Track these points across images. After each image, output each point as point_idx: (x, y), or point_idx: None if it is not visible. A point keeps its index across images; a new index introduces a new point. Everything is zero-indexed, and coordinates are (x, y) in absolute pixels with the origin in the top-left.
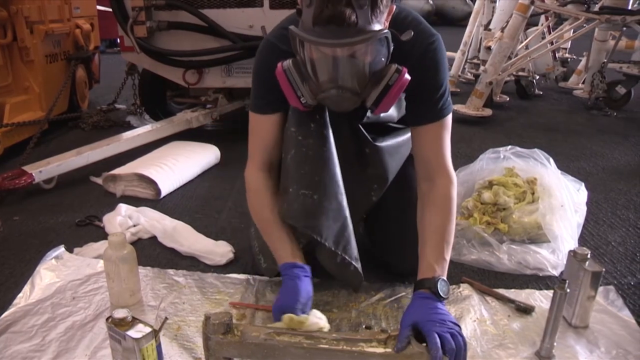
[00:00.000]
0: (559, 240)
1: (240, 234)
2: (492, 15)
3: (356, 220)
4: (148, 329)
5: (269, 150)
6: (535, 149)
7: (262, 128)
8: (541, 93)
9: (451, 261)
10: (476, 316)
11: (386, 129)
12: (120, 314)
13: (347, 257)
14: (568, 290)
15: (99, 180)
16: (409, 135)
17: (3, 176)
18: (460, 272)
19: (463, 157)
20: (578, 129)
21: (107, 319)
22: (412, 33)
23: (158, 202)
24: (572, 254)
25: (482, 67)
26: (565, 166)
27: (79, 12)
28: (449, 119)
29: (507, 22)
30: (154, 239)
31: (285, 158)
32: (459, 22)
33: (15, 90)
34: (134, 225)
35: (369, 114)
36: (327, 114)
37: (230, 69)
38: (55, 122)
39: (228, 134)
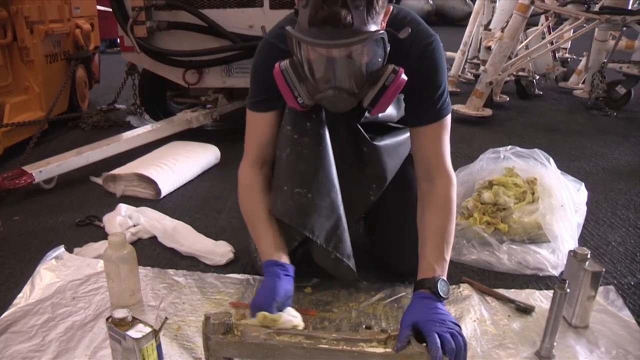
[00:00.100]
0: (559, 240)
1: (240, 234)
2: (492, 15)
3: (355, 220)
4: (148, 329)
5: (263, 147)
6: (535, 149)
7: (257, 125)
8: (541, 93)
9: (451, 261)
10: (476, 316)
11: (385, 129)
12: (120, 314)
13: (338, 255)
14: (568, 290)
15: (99, 180)
16: (407, 135)
17: (3, 176)
18: (460, 272)
19: (463, 157)
20: (578, 129)
21: (107, 319)
22: (410, 30)
23: (158, 202)
24: (572, 254)
25: (482, 67)
26: (565, 166)
27: (79, 12)
28: (448, 119)
29: (507, 22)
30: (154, 239)
31: (280, 156)
32: (459, 22)
33: (15, 90)
34: (134, 225)
35: (367, 113)
36: (323, 113)
37: (230, 69)
38: (55, 122)
39: (228, 134)
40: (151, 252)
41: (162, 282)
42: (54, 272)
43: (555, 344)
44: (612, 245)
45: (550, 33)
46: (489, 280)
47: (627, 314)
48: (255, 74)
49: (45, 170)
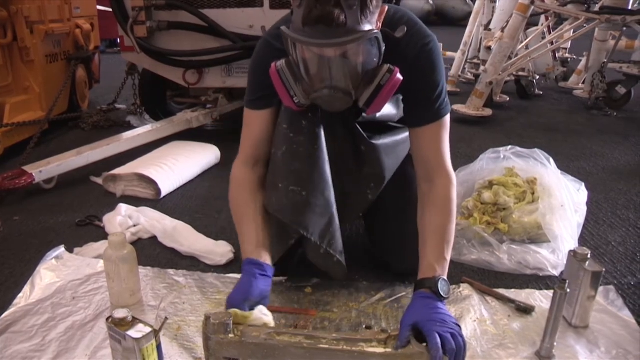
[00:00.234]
0: (559, 240)
1: None
2: (492, 15)
3: (353, 219)
4: (148, 329)
5: (257, 145)
6: (536, 149)
7: (253, 123)
8: (541, 93)
9: (451, 261)
10: (476, 316)
11: (384, 128)
12: (120, 314)
13: (331, 251)
14: (568, 290)
15: (99, 180)
16: (406, 134)
17: (3, 176)
18: (460, 272)
19: (463, 157)
20: (578, 129)
21: (107, 319)
22: (405, 29)
23: (158, 202)
24: (572, 254)
25: (482, 67)
26: (565, 166)
27: (79, 12)
28: (447, 119)
29: (507, 22)
30: (154, 239)
31: (276, 154)
32: (459, 22)
33: (16, 90)
34: (134, 225)
35: (364, 113)
36: (320, 112)
37: (230, 69)
38: (55, 122)
39: (228, 134)
40: (151, 252)
41: (162, 282)
42: (54, 272)
43: (555, 344)
44: (612, 245)
45: (550, 33)
46: (489, 280)
47: (627, 314)
48: (253, 73)
49: (45, 170)
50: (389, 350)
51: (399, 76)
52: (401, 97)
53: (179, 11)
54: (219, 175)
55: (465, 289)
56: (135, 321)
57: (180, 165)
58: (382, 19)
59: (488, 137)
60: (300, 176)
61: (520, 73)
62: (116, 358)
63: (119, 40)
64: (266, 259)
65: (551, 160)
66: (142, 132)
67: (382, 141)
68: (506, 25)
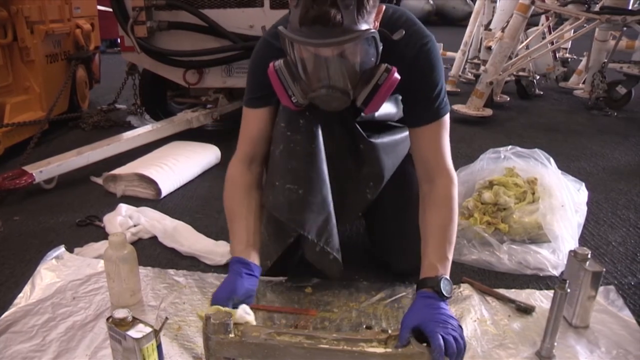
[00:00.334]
0: (560, 240)
1: None
2: (493, 15)
3: (353, 218)
4: (148, 329)
5: (254, 144)
6: (536, 149)
7: (251, 122)
8: (542, 93)
9: (452, 261)
10: (476, 316)
11: (384, 127)
12: (120, 314)
13: (328, 249)
14: (568, 290)
15: (99, 180)
16: (406, 134)
17: (3, 176)
18: (460, 272)
19: (463, 157)
20: (578, 129)
21: (107, 319)
22: (404, 32)
23: (158, 202)
24: (573, 254)
25: (482, 67)
26: (565, 166)
27: (79, 12)
28: (447, 119)
29: (508, 22)
30: (154, 239)
31: (273, 152)
32: (460, 22)
33: (16, 90)
34: (135, 225)
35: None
36: (318, 111)
37: (230, 69)
38: (55, 122)
39: (228, 134)
40: (151, 252)
41: (162, 282)
42: (55, 272)
43: (555, 344)
44: (612, 245)
45: (550, 33)
46: (489, 280)
47: (627, 314)
48: (252, 72)
49: (45, 170)
50: (389, 350)
51: (397, 75)
52: (400, 97)
53: (179, 11)
54: (220, 175)
55: (465, 289)
56: (135, 321)
57: (180, 165)
58: (380, 19)
59: (488, 137)
60: (297, 174)
61: (521, 73)
62: (116, 358)
63: (119, 40)
64: (254, 259)
65: (551, 160)
66: (143, 132)
67: (381, 140)
68: (506, 25)
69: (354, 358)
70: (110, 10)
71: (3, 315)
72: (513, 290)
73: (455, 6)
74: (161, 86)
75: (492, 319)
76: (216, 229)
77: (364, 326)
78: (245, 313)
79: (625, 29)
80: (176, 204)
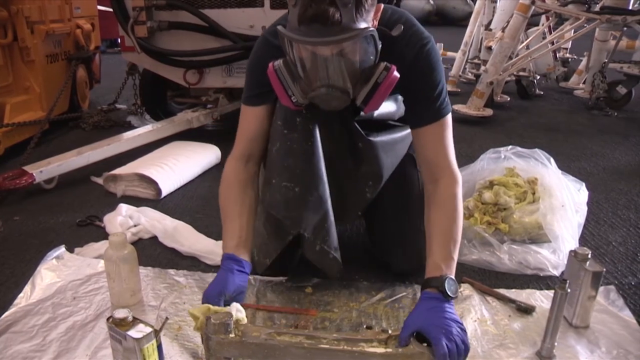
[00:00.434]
0: (560, 240)
1: None
2: (493, 15)
3: (352, 217)
4: (149, 329)
5: (250, 141)
6: (536, 149)
7: (248, 119)
8: (542, 93)
9: None
10: (477, 316)
11: (383, 126)
12: (121, 314)
13: (325, 247)
14: (569, 290)
15: (99, 180)
16: (405, 132)
17: (4, 176)
18: (461, 272)
19: (464, 157)
20: (579, 129)
21: (107, 319)
22: (402, 27)
23: (159, 202)
24: (573, 254)
25: (482, 67)
26: (566, 166)
27: (79, 12)
28: (449, 119)
29: (508, 22)
30: (154, 239)
31: (270, 150)
32: (460, 22)
33: (16, 90)
34: (135, 225)
35: (361, 112)
36: (316, 109)
37: (230, 68)
38: (55, 122)
39: (229, 134)
40: (152, 252)
41: (162, 282)
42: (55, 272)
43: (556, 344)
44: (612, 245)
45: (551, 33)
46: (489, 280)
47: (627, 314)
48: (251, 70)
49: (45, 170)
50: (389, 350)
51: (396, 73)
52: (400, 97)
53: (180, 11)
54: (220, 175)
55: (465, 289)
56: (135, 321)
57: (180, 165)
58: (378, 17)
59: (489, 137)
60: (293, 172)
61: (521, 73)
62: (117, 358)
63: (119, 40)
64: (245, 256)
65: (552, 160)
66: (143, 132)
67: (380, 138)
68: (507, 25)
69: (354, 358)
70: (111, 10)
71: (3, 315)
72: (513, 290)
73: (455, 6)
74: (161, 86)
75: (492, 319)
76: (216, 229)
77: (365, 326)
78: (236, 310)
79: (625, 29)
80: (176, 204)
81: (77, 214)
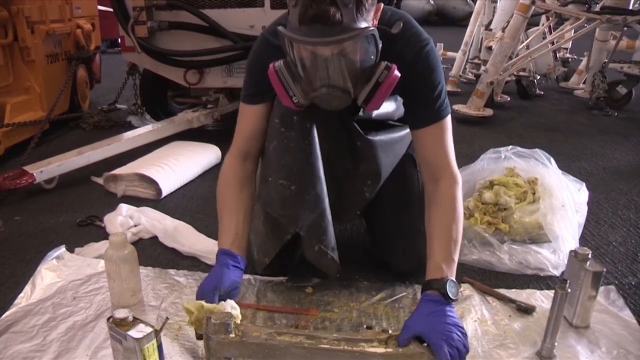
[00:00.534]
0: (560, 240)
1: None
2: (493, 15)
3: (351, 217)
4: (149, 329)
5: (248, 139)
6: (536, 149)
7: (247, 117)
8: (542, 93)
9: None
10: (477, 316)
11: (382, 126)
12: (121, 314)
13: (322, 247)
14: (569, 290)
15: (99, 180)
16: (404, 132)
17: (4, 176)
18: (461, 272)
19: (464, 157)
20: (579, 129)
21: (108, 319)
22: (402, 25)
23: (159, 202)
24: (573, 254)
25: (483, 67)
26: (566, 166)
27: (79, 12)
28: (448, 120)
29: (508, 22)
30: (154, 239)
31: (267, 148)
32: (460, 22)
33: (16, 90)
34: (135, 225)
35: (361, 111)
36: (314, 108)
37: (231, 68)
38: (56, 122)
39: (229, 134)
40: (152, 252)
41: (163, 282)
42: (55, 272)
43: (556, 344)
44: (613, 245)
45: (551, 33)
46: (490, 280)
47: (628, 314)
48: (250, 70)
49: (46, 170)
50: (389, 350)
51: (397, 73)
52: (399, 98)
53: (180, 11)
54: None
55: (466, 289)
56: (136, 321)
57: (181, 165)
58: (378, 17)
59: (489, 137)
60: (290, 170)
61: (521, 73)
62: (117, 358)
63: (119, 40)
64: (240, 252)
65: (552, 160)
66: (143, 132)
67: (379, 138)
68: (507, 25)
69: (354, 358)
70: (111, 10)
71: (3, 315)
72: (514, 290)
73: (455, 6)
74: (162, 86)
75: (492, 319)
76: (217, 229)
77: (365, 326)
78: (231, 307)
79: (625, 29)
80: (177, 204)
81: (77, 214)
